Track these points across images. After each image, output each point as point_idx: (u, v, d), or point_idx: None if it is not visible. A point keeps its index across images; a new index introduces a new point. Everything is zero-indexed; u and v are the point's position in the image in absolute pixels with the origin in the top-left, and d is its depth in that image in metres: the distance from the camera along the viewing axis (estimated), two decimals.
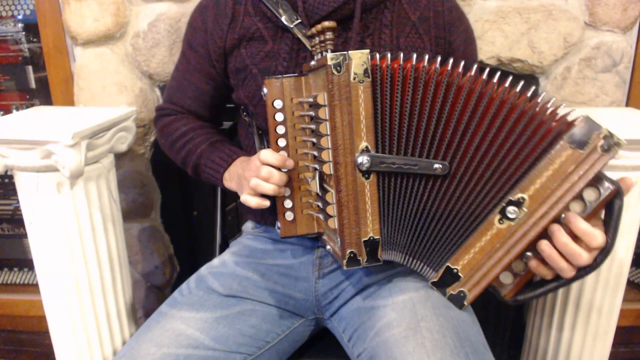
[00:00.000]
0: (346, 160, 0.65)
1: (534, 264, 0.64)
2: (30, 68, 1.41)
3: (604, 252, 0.60)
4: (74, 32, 1.21)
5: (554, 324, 1.06)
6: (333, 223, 0.68)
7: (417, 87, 0.64)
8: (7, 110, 1.45)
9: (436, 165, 0.66)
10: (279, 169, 0.72)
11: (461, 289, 0.70)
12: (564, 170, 0.60)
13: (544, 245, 0.62)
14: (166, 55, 1.21)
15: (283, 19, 0.80)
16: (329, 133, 0.65)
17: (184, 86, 0.94)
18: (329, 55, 0.62)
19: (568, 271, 0.62)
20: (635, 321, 1.44)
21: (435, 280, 0.72)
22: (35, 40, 1.36)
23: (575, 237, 0.61)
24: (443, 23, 0.82)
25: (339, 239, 0.68)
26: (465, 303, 0.71)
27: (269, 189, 0.71)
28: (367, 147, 0.65)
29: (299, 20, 0.80)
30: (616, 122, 1.00)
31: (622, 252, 0.97)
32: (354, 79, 0.63)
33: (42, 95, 1.42)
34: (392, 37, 0.81)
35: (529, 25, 1.13)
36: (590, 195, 0.61)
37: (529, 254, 0.65)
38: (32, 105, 1.44)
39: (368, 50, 0.63)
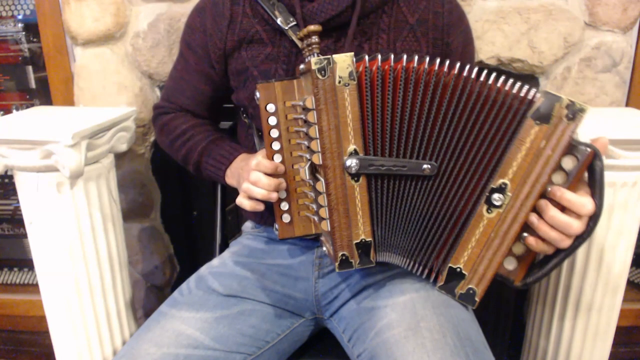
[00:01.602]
0: (334, 164, 0.65)
1: (532, 241, 0.65)
2: (30, 68, 1.41)
3: (595, 216, 0.61)
4: (74, 32, 1.21)
5: (554, 324, 1.06)
6: (326, 225, 0.69)
7: (408, 87, 0.65)
8: (7, 110, 1.45)
9: (425, 166, 0.67)
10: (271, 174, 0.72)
11: (469, 286, 0.70)
12: (536, 147, 0.62)
13: (534, 218, 0.63)
14: (166, 55, 1.21)
15: (279, 20, 0.80)
16: (317, 137, 0.66)
17: (182, 86, 0.94)
18: (313, 59, 0.62)
19: (563, 241, 0.62)
20: (635, 321, 1.44)
21: (441, 284, 0.72)
22: (35, 40, 1.36)
23: (564, 208, 0.61)
24: (442, 25, 0.82)
25: (331, 241, 0.68)
26: (477, 299, 0.71)
27: (258, 193, 0.72)
28: (355, 150, 0.65)
29: (294, 22, 0.79)
30: (616, 122, 1.00)
31: (622, 252, 0.97)
32: (339, 82, 0.63)
33: (42, 95, 1.42)
34: (389, 41, 0.81)
35: (529, 25, 1.13)
36: (568, 164, 0.62)
37: (525, 234, 0.65)
38: (32, 105, 1.44)
39: (352, 53, 0.63)
